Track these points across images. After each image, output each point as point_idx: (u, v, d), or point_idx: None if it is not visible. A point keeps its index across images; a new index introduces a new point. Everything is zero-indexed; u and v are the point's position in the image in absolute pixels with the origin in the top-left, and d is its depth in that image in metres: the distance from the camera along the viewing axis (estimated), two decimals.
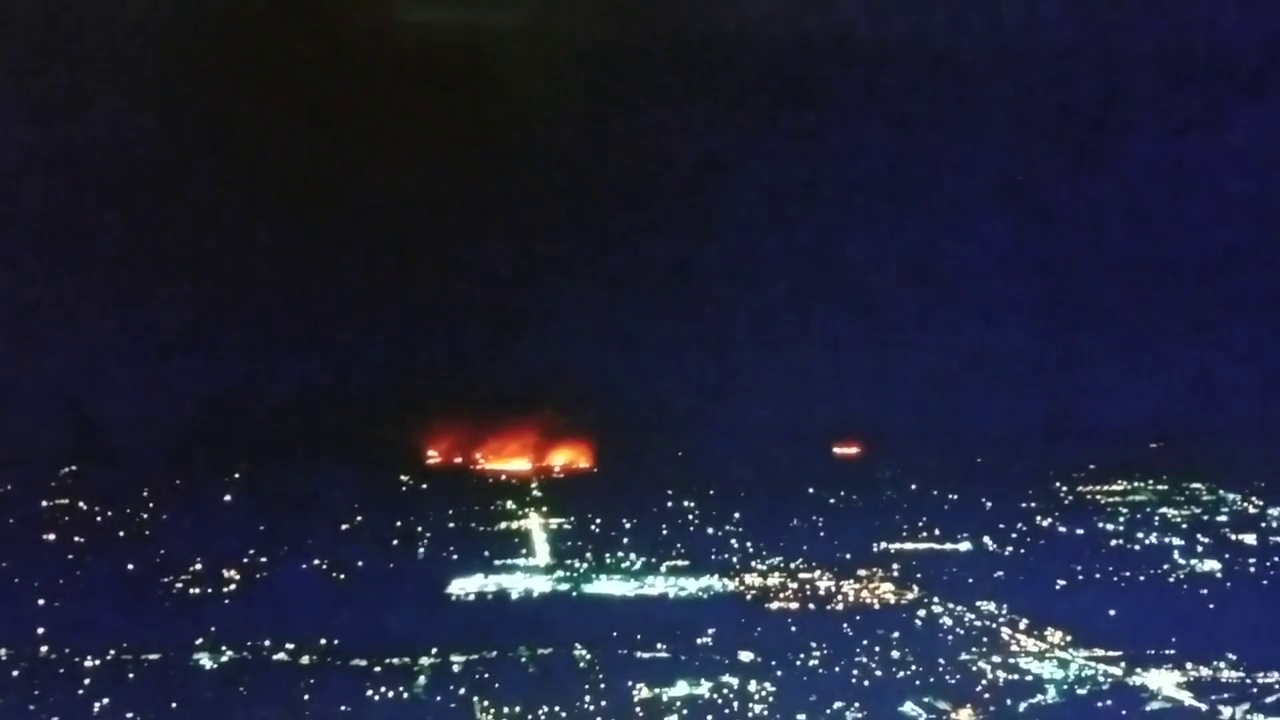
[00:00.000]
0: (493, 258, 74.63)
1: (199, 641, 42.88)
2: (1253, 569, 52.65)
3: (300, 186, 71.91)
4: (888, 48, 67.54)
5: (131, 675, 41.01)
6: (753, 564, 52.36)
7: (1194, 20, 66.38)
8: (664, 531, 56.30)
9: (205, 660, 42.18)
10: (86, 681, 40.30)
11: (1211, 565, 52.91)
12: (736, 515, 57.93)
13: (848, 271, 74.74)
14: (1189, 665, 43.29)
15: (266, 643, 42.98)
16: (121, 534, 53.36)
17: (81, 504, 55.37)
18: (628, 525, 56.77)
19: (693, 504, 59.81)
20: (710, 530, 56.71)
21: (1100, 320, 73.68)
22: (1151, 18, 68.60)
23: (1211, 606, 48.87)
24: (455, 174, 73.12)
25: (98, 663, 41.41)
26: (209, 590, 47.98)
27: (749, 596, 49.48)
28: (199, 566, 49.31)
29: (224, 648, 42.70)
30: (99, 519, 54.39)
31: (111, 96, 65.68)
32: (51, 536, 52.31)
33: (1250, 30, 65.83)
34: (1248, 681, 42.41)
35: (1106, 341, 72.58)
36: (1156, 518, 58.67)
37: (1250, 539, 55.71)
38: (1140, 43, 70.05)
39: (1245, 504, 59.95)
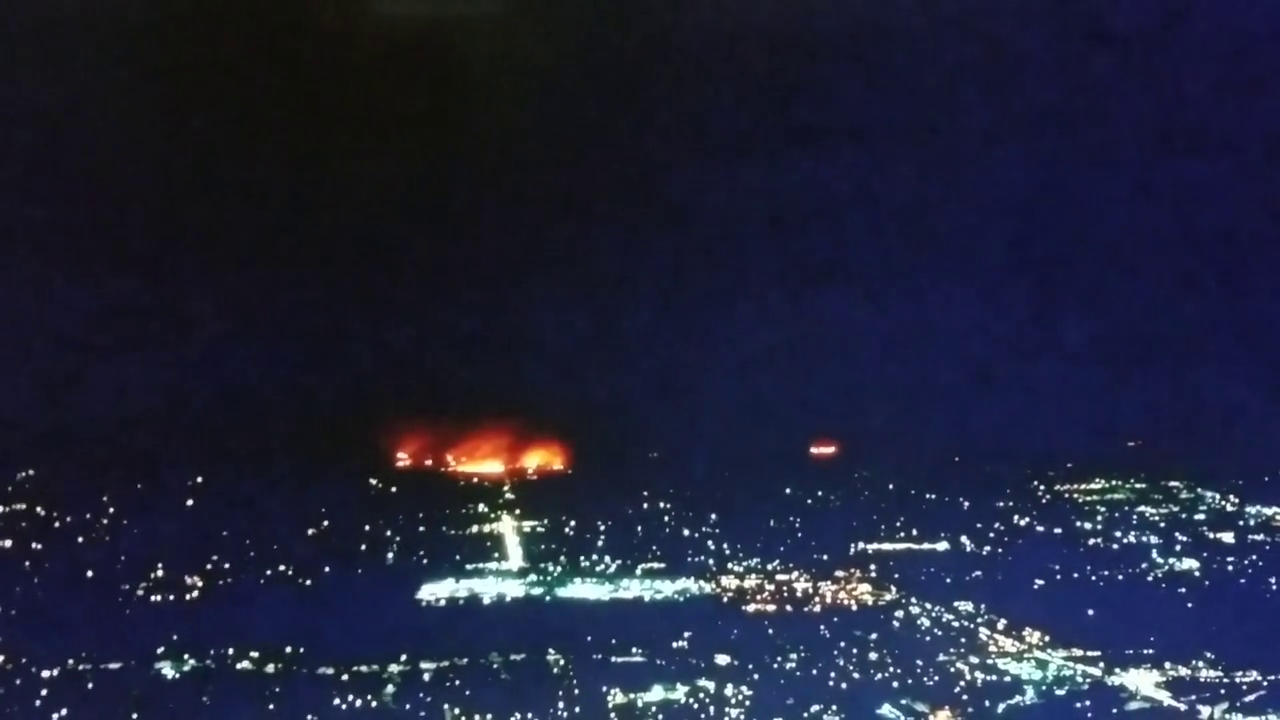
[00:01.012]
0: (466, 258, 74.40)
1: (161, 650, 42.03)
2: (1231, 567, 52.79)
3: (269, 184, 71.35)
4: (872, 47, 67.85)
5: (91, 685, 40.10)
6: (729, 566, 51.95)
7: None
8: (639, 534, 55.82)
9: (168, 669, 41.37)
10: (44, 693, 39.37)
11: (1190, 564, 53.00)
12: (713, 517, 57.56)
13: (824, 271, 74.86)
14: (1168, 664, 43.36)
15: (230, 651, 42.19)
16: (80, 540, 52.20)
17: (39, 509, 54.34)
18: (602, 528, 56.23)
19: (668, 506, 59.42)
20: (686, 532, 56.28)
21: (1078, 318, 73.80)
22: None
23: (1190, 605, 48.95)
24: (428, 175, 72.93)
25: (55, 673, 40.42)
26: (171, 597, 47.06)
27: (725, 599, 49.14)
28: (161, 573, 48.40)
29: (187, 656, 41.87)
30: (57, 524, 53.32)
31: (80, 84, 64.93)
32: (8, 543, 51.27)
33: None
34: (1226, 680, 42.31)
35: (1084, 340, 72.68)
36: (1134, 516, 58.71)
37: (1228, 537, 55.87)
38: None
39: (1223, 502, 60.19)
